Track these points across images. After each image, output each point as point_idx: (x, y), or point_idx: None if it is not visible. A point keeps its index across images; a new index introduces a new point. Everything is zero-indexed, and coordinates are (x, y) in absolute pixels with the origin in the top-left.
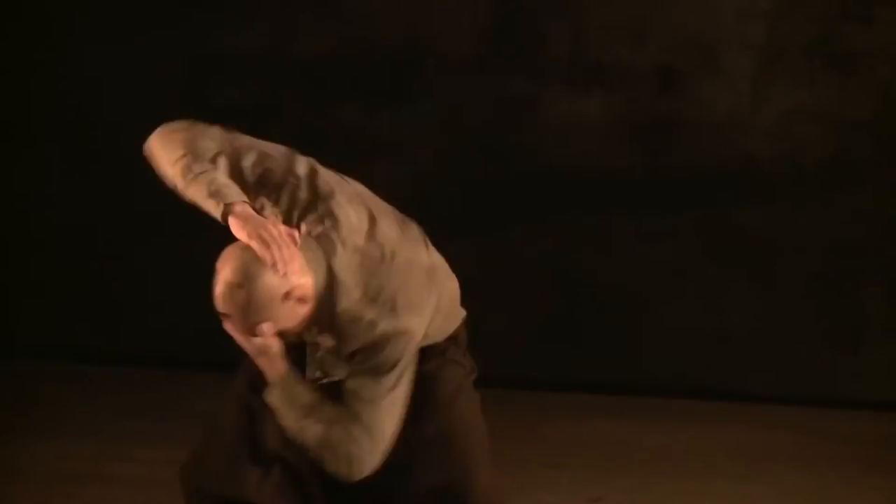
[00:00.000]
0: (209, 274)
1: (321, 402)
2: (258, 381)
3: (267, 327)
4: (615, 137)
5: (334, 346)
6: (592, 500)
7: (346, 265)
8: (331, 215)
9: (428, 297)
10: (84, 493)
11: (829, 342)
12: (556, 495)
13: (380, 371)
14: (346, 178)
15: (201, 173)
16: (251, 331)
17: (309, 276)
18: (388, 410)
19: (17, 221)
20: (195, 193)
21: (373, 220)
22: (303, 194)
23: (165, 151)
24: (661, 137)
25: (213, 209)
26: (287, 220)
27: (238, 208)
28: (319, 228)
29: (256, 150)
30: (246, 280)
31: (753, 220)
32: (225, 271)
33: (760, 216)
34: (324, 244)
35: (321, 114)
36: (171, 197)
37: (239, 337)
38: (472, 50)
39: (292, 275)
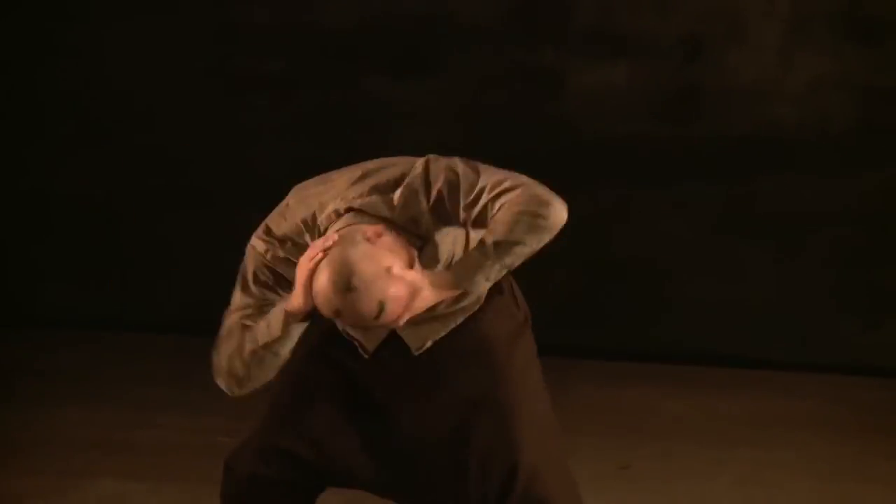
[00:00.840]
0: (231, 241)
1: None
2: (320, 356)
3: (395, 301)
4: (641, 107)
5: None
6: (620, 468)
7: (353, 193)
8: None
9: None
10: (106, 460)
11: (852, 311)
12: (583, 462)
13: (455, 184)
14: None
15: (255, 341)
16: (372, 307)
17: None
18: (496, 174)
19: (41, 191)
20: (271, 354)
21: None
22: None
23: (244, 377)
24: (687, 107)
25: (292, 338)
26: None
27: (290, 306)
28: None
29: (240, 291)
30: (350, 279)
31: (778, 190)
32: (324, 291)
33: (785, 185)
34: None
35: (348, 85)
36: (193, 168)
37: (405, 298)
38: (499, 21)
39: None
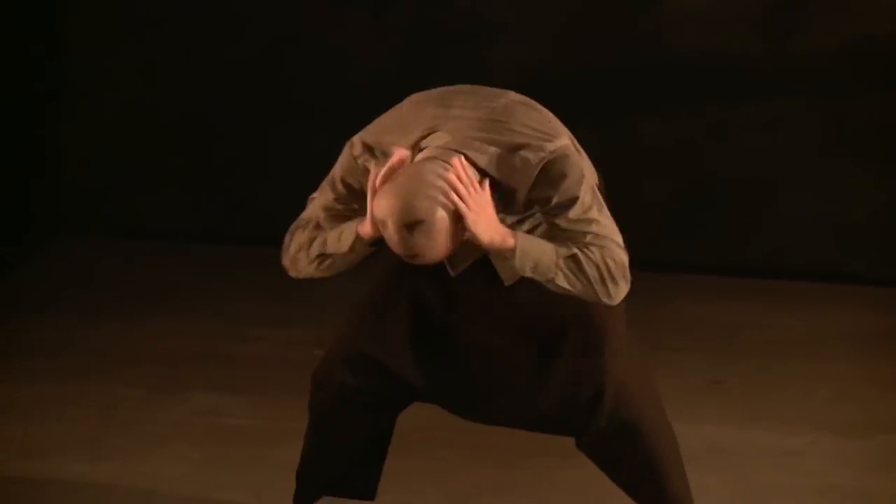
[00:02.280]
0: (327, 154)
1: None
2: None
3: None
4: (739, 22)
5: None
6: (714, 383)
7: (467, 150)
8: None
9: (548, 117)
10: (204, 373)
11: None
12: (677, 377)
13: (571, 197)
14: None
15: (325, 249)
16: (443, 254)
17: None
18: (605, 217)
19: (137, 105)
20: (339, 262)
21: (463, 101)
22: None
23: (303, 268)
24: (783, 22)
25: (359, 254)
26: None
27: (363, 229)
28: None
29: (329, 186)
30: (420, 214)
31: (874, 106)
32: (394, 217)
33: (882, 102)
34: (442, 142)
35: None
36: (290, 82)
37: (470, 223)
38: None
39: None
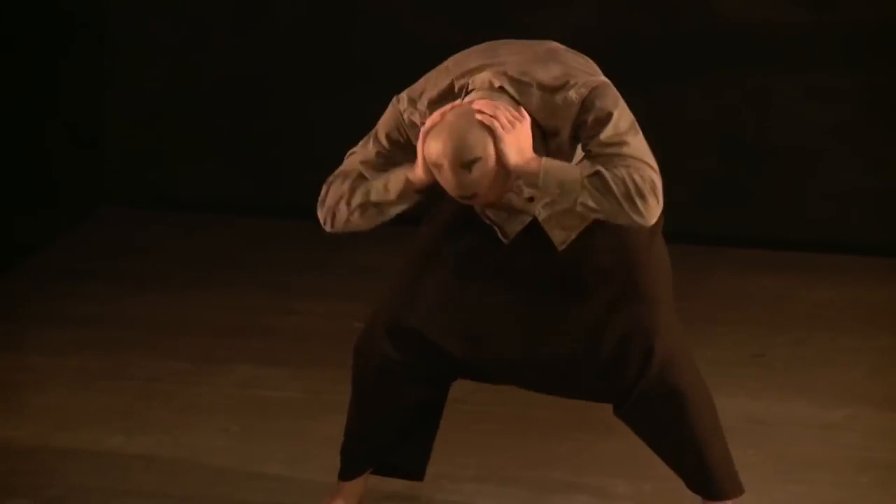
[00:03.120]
0: (374, 124)
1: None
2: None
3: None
4: None
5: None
6: (755, 356)
7: (513, 87)
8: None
9: (588, 61)
10: (246, 345)
11: None
12: (717, 349)
13: (605, 121)
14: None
15: (369, 192)
16: (496, 193)
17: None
18: (639, 140)
19: (179, 76)
20: (385, 210)
21: (506, 47)
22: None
23: (341, 218)
24: None
25: (405, 202)
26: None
27: (413, 175)
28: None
29: (371, 141)
30: (478, 152)
31: None
32: (448, 155)
33: None
34: (487, 84)
35: None
36: (334, 53)
37: (500, 145)
38: None
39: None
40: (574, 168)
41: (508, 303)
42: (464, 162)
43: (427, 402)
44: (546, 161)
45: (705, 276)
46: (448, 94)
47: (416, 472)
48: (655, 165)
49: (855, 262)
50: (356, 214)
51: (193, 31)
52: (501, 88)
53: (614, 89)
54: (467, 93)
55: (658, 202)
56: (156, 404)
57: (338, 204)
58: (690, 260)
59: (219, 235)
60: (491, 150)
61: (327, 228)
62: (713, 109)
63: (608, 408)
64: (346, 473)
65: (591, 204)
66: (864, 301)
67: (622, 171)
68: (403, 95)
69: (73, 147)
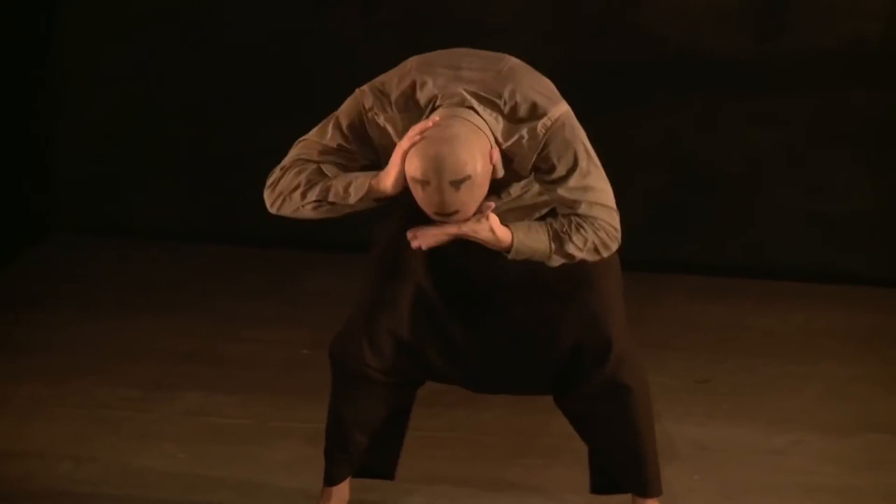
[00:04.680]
0: None
1: (555, 222)
2: (397, 244)
3: (486, 202)
4: (727, 19)
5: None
6: (700, 382)
7: (482, 108)
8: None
9: (548, 83)
10: (197, 372)
11: None
12: (663, 376)
13: (571, 166)
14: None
15: (328, 192)
16: (472, 212)
17: (484, 136)
18: (599, 179)
19: (129, 103)
20: (339, 209)
21: (471, 62)
22: (393, 96)
23: (291, 206)
24: (773, 20)
25: (363, 205)
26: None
27: (376, 182)
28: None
29: (331, 130)
30: (468, 171)
31: (864, 103)
32: (438, 172)
33: (870, 98)
34: (457, 100)
35: None
36: (288, 78)
37: (468, 228)
38: None
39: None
40: (541, 236)
41: (473, 300)
42: (454, 180)
43: (403, 404)
44: (517, 239)
45: (653, 302)
46: (409, 98)
47: (387, 472)
48: (613, 202)
49: (802, 288)
50: (308, 208)
51: (143, 57)
52: (471, 108)
53: (573, 117)
54: (434, 107)
55: (617, 243)
56: (105, 431)
57: (292, 193)
58: (638, 286)
59: (169, 262)
60: (479, 167)
61: (272, 210)
62: (661, 135)
63: (556, 432)
64: (332, 478)
65: (558, 264)
66: (810, 327)
67: (588, 232)
68: (367, 90)
69: (23, 173)
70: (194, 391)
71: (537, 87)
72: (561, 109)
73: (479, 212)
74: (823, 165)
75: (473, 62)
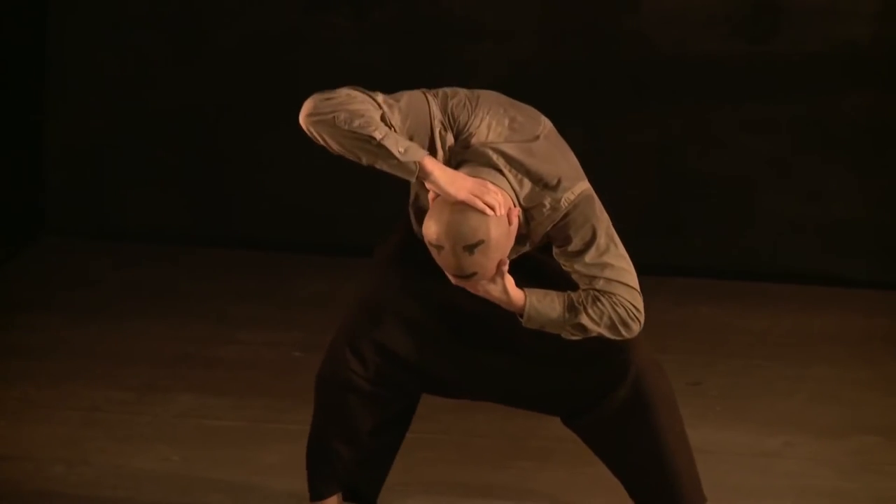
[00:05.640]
0: (320, 156)
1: (573, 293)
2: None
3: (503, 260)
4: (718, 24)
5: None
6: (692, 384)
7: (509, 169)
8: (474, 135)
9: (575, 159)
10: (190, 375)
11: None
12: None
13: (588, 241)
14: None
15: (385, 136)
16: (492, 273)
17: (509, 198)
18: (620, 258)
19: (122, 106)
20: (380, 155)
21: (511, 119)
22: (446, 132)
23: (328, 125)
24: (764, 24)
25: (400, 169)
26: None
27: (430, 163)
28: (473, 153)
29: (398, 106)
30: (481, 235)
31: (856, 107)
32: (452, 237)
33: (863, 103)
34: (484, 160)
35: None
36: (278, 83)
37: (482, 287)
38: None
39: (505, 206)
40: (555, 305)
41: (475, 314)
42: (467, 245)
43: (390, 421)
44: (529, 304)
45: (644, 304)
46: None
47: (368, 498)
48: (636, 283)
49: (793, 290)
50: (351, 136)
51: (135, 61)
52: (498, 170)
53: (595, 196)
54: (459, 163)
55: (639, 324)
56: (98, 434)
57: (346, 116)
58: None
59: (160, 265)
60: (493, 232)
61: (304, 119)
62: (653, 140)
63: (547, 435)
64: (318, 494)
65: (575, 336)
66: (801, 330)
67: (605, 306)
68: (437, 104)
69: (14, 177)
70: (187, 393)
71: (567, 161)
72: (584, 186)
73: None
74: (814, 169)
75: (524, 122)
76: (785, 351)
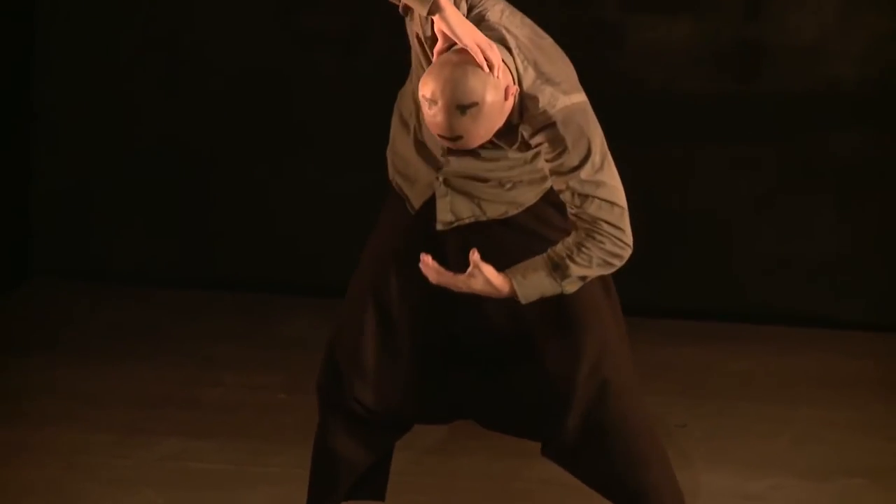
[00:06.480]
0: (301, 195)
1: (552, 252)
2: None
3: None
4: (702, 63)
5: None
6: (677, 426)
7: (518, 52)
8: (489, 10)
9: (574, 73)
10: (172, 417)
11: None
12: None
13: (584, 156)
14: None
15: None
16: (475, 143)
17: (510, 74)
18: (610, 174)
19: (109, 143)
20: None
21: (522, 17)
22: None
23: None
24: (748, 63)
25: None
26: None
27: (444, 2)
28: (487, 27)
29: None
30: (476, 97)
31: (841, 147)
32: (448, 93)
33: (848, 142)
34: (496, 36)
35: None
36: (269, 120)
37: (464, 284)
38: None
39: (504, 76)
40: (539, 273)
41: (459, 336)
42: (461, 105)
43: (390, 439)
44: (517, 283)
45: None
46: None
47: (377, 495)
48: (624, 200)
49: (777, 331)
50: None
51: (122, 98)
52: (507, 48)
53: (592, 112)
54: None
55: (627, 246)
56: (81, 477)
57: None
58: None
59: (144, 307)
60: (488, 97)
61: None
62: (636, 179)
63: (530, 477)
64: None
65: (575, 287)
66: (785, 371)
67: (591, 249)
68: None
69: (0, 216)
70: (171, 436)
71: (569, 70)
72: (582, 97)
73: (473, 267)
74: (799, 209)
75: (525, 18)
76: (769, 392)
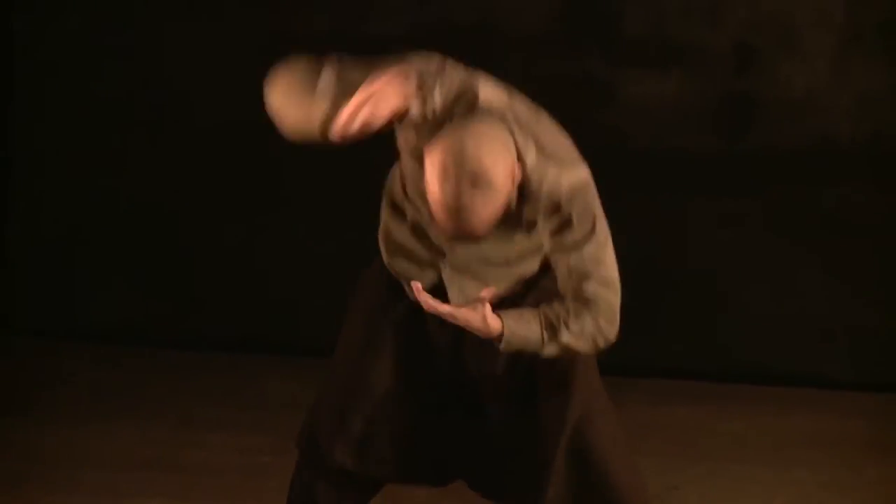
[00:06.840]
0: (288, 253)
1: (549, 310)
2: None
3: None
4: (692, 118)
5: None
6: (669, 489)
7: (518, 127)
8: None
9: (572, 144)
10: (156, 479)
11: None
12: None
13: (588, 232)
14: None
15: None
16: (484, 232)
17: (513, 148)
18: (610, 256)
19: (89, 200)
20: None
21: (510, 91)
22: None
23: (299, 101)
24: (739, 118)
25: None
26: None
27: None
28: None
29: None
30: (487, 166)
31: (833, 203)
32: (460, 167)
33: (839, 198)
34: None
35: None
36: (252, 177)
37: (462, 317)
38: (549, 30)
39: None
40: (532, 325)
41: (447, 397)
42: (474, 177)
43: (370, 493)
44: (506, 327)
45: (618, 406)
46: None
47: None
48: (618, 281)
49: (768, 392)
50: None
51: (102, 153)
52: (510, 130)
53: (594, 183)
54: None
55: (616, 327)
56: None
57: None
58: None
59: (125, 366)
60: (501, 178)
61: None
62: (625, 236)
63: None
64: None
65: (554, 353)
66: (778, 432)
67: (586, 320)
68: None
69: None
70: (154, 499)
71: (568, 142)
72: (586, 171)
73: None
74: (790, 266)
75: (522, 99)
76: (761, 453)
